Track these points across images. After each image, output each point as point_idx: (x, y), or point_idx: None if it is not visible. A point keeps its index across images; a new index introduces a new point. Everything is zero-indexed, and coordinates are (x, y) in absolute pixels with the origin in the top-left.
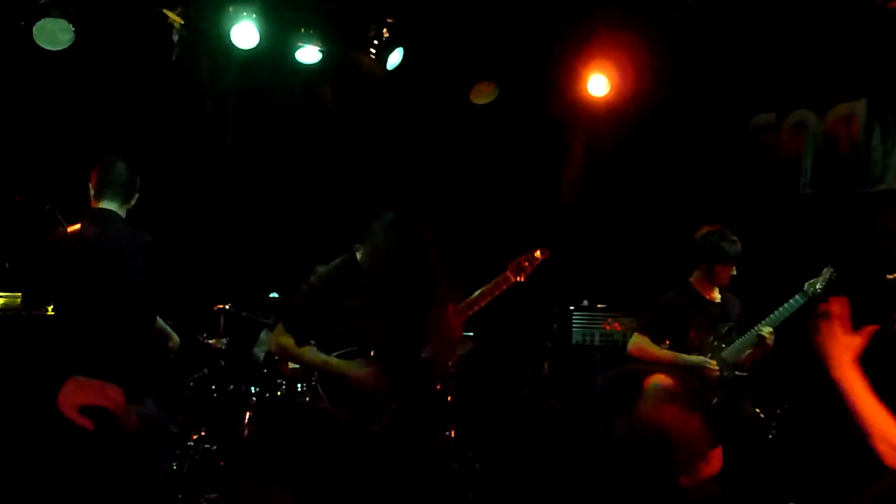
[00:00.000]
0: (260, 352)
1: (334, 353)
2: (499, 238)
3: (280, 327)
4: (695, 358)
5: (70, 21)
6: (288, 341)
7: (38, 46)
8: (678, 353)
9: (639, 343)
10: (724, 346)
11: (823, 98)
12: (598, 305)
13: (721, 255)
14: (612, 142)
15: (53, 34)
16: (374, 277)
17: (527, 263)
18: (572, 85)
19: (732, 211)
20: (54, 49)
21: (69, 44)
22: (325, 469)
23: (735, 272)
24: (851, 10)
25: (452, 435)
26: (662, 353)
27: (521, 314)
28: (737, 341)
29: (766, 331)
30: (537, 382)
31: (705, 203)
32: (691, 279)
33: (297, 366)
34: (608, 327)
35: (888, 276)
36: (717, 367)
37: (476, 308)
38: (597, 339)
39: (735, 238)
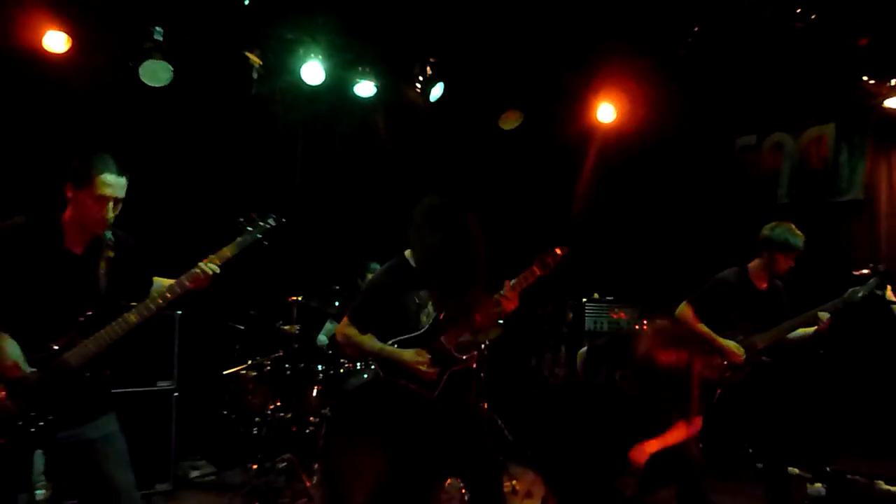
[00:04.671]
0: (324, 338)
1: (390, 342)
2: (524, 242)
3: (345, 319)
4: (727, 343)
5: (169, 62)
6: (352, 331)
7: (143, 83)
8: (714, 334)
9: (684, 313)
10: (759, 332)
11: (798, 122)
12: (607, 297)
13: (787, 245)
14: (619, 160)
15: (156, 73)
16: (424, 266)
17: (550, 259)
18: (584, 112)
19: (719, 218)
20: (156, 86)
21: (169, 81)
22: (407, 430)
23: (794, 265)
24: (823, 46)
25: (486, 407)
26: (701, 328)
27: (542, 305)
28: (773, 329)
29: (824, 315)
30: (555, 362)
31: (697, 211)
32: (749, 265)
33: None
34: (615, 316)
35: (854, 272)
36: (741, 355)
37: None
38: (605, 325)
39: (800, 233)
